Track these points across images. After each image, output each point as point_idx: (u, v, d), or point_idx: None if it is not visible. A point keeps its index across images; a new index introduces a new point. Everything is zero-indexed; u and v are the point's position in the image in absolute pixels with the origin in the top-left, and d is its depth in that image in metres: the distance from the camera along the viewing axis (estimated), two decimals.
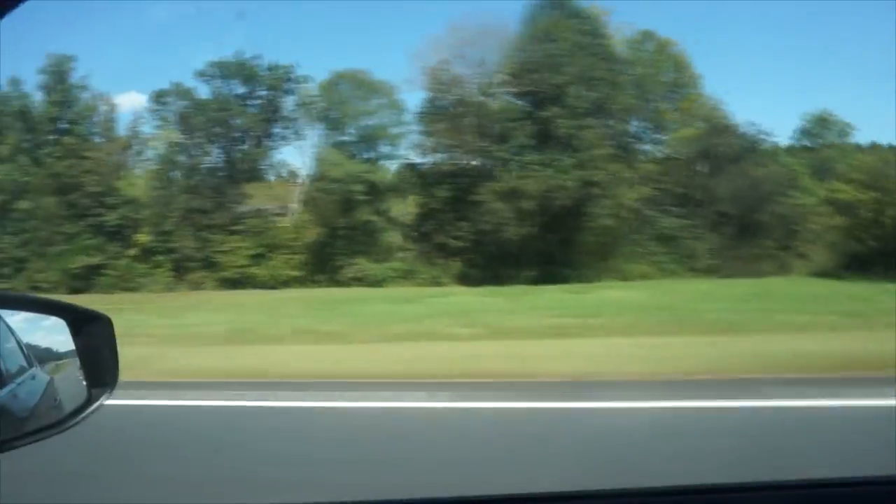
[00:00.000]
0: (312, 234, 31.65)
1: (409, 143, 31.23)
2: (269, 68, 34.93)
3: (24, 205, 35.95)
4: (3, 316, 1.12)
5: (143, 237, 34.26)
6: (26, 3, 0.97)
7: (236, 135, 34.52)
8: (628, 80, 29.45)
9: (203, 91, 34.90)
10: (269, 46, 42.25)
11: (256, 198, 33.64)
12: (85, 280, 34.02)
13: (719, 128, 29.66)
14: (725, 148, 29.61)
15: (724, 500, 1.21)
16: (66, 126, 37.94)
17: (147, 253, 34.36)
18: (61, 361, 1.18)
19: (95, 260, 33.86)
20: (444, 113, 29.92)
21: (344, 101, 31.68)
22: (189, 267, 33.53)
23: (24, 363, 1.13)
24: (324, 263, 31.42)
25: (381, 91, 31.31)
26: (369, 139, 31.56)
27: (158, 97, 34.44)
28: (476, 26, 28.94)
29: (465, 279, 29.94)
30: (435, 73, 29.82)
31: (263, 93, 35.02)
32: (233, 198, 33.38)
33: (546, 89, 26.85)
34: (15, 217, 35.97)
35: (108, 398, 1.16)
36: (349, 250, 31.24)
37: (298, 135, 34.90)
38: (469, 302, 20.30)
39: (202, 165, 34.72)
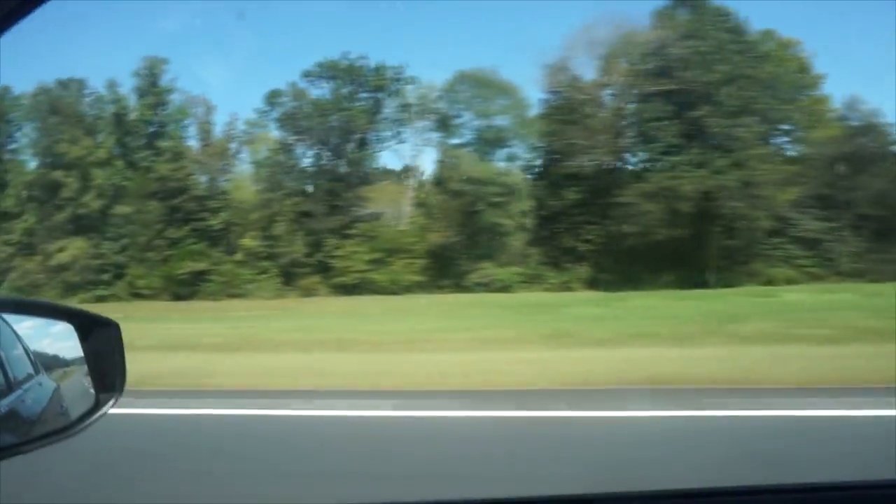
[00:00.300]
0: (434, 237, 30.49)
1: (535, 145, 30.04)
2: (376, 69, 33.97)
3: (122, 209, 34.89)
4: (11, 322, 1.09)
5: (248, 242, 33.15)
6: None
7: (344, 137, 33.39)
8: (766, 79, 28.36)
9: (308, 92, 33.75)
10: (378, 47, 40.83)
11: (367, 201, 32.53)
12: (190, 286, 32.88)
13: (862, 128, 28.55)
14: (867, 148, 28.48)
15: (722, 503, 1.10)
16: (163, 129, 37.01)
17: (252, 258, 33.22)
18: (68, 369, 1.15)
19: (201, 265, 32.70)
20: (574, 114, 28.84)
21: (466, 102, 30.61)
22: (298, 273, 32.36)
23: (31, 370, 1.11)
24: (446, 268, 30.26)
25: (506, 91, 30.25)
26: (492, 140, 30.43)
27: (272, 97, 33.36)
28: (609, 26, 27.97)
29: (596, 284, 28.83)
30: (566, 74, 28.81)
31: (370, 94, 34.03)
32: (345, 201, 32.28)
33: (696, 88, 25.79)
34: (114, 222, 34.90)
35: (115, 404, 1.13)
36: (473, 254, 30.09)
37: (407, 137, 33.87)
38: (667, 306, 19.13)
39: (310, 168, 33.63)
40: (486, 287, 29.29)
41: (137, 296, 33.71)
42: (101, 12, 44.85)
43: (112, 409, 1.13)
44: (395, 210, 32.54)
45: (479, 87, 30.19)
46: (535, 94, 30.78)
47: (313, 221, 32.33)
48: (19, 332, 1.12)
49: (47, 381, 1.14)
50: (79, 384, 1.15)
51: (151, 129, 36.83)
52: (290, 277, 32.62)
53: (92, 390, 1.13)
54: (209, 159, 34.90)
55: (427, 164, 32.38)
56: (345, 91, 33.91)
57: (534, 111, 30.19)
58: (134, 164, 36.04)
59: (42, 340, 1.15)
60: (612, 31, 27.75)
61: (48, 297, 34.62)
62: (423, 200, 31.99)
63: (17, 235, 36.29)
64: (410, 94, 33.47)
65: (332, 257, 31.43)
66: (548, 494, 1.25)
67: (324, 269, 31.83)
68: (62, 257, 34.29)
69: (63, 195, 35.29)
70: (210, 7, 41.12)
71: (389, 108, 33.72)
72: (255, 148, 35.42)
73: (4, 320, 1.11)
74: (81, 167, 34.98)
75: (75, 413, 1.12)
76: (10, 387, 1.07)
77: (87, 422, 1.10)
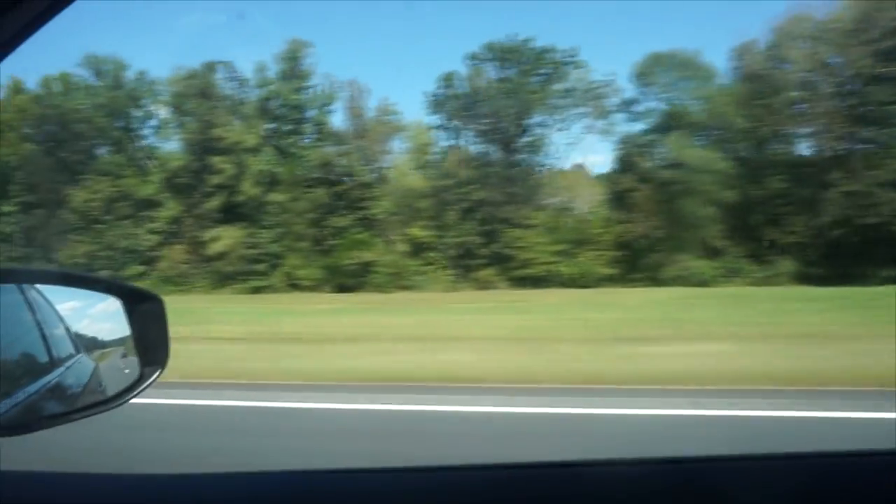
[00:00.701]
0: (622, 228, 29.03)
1: (735, 131, 28.36)
2: (545, 51, 32.44)
3: (276, 197, 33.66)
4: (53, 302, 1.14)
5: (416, 231, 31.79)
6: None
7: (514, 122, 31.92)
8: None
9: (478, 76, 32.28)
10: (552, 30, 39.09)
11: (543, 189, 31.15)
12: (356, 277, 31.57)
13: None
14: None
15: (720, 468, 1.16)
16: (310, 114, 35.74)
17: (418, 248, 31.89)
18: (105, 350, 1.20)
19: (369, 256, 31.36)
20: (780, 97, 27.19)
21: (660, 85, 29.02)
22: (471, 264, 30.98)
23: (72, 349, 1.15)
24: (638, 260, 28.79)
25: (704, 74, 28.65)
26: (687, 126, 28.78)
27: (447, 80, 31.98)
28: (826, 4, 26.22)
29: (806, 279, 27.24)
30: (773, 55, 27.16)
31: (539, 78, 32.48)
32: (520, 189, 30.86)
33: None
34: (268, 210, 33.67)
35: (159, 376, 1.16)
36: (667, 246, 28.57)
37: (580, 122, 32.36)
38: None
39: (479, 155, 32.19)
40: (684, 281, 27.81)
41: (295, 287, 32.56)
42: None
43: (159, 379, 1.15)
44: (572, 199, 31.13)
45: (675, 69, 28.56)
46: (737, 77, 28.90)
47: (486, 211, 30.95)
48: (60, 312, 1.14)
49: (87, 361, 1.16)
50: (115, 365, 1.16)
51: (298, 115, 35.57)
52: (460, 269, 31.26)
53: (127, 371, 1.14)
54: (366, 144, 33.54)
55: (606, 151, 30.76)
56: (512, 75, 32.40)
57: (735, 95, 28.42)
58: (283, 150, 34.80)
59: (81, 322, 1.18)
60: (830, 10, 26.08)
61: (200, 287, 33.52)
62: (605, 189, 30.46)
63: (161, 224, 35.21)
64: (584, 77, 31.94)
65: (512, 248, 30.02)
66: (530, 461, 1.15)
67: (500, 261, 30.46)
68: (216, 247, 33.15)
69: (213, 182, 34.13)
70: None
71: (560, 92, 32.11)
72: (413, 134, 34.07)
73: (47, 301, 1.13)
74: (236, 152, 33.76)
75: (113, 391, 1.14)
76: (53, 363, 1.10)
77: (132, 394, 1.12)
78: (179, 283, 33.96)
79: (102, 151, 37.06)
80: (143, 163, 36.76)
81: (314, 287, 32.36)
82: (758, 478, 1.12)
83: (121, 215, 35.40)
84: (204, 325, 15.94)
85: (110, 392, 1.14)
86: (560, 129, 32.74)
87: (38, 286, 1.15)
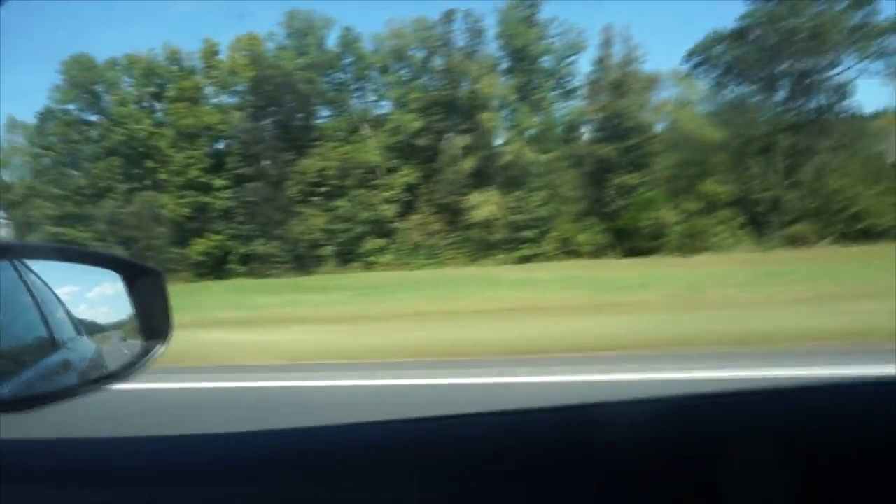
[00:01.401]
0: None
1: None
2: None
3: (541, 157, 30.77)
4: (52, 286, 1.14)
5: (711, 186, 29.12)
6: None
7: (809, 64, 29.11)
8: None
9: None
10: None
11: (859, 136, 28.51)
12: (651, 240, 28.93)
13: None
14: None
15: (719, 403, 1.07)
16: (554, 64, 32.70)
17: (711, 206, 29.24)
18: (105, 334, 1.20)
19: (668, 216, 28.70)
20: None
21: None
22: (782, 221, 28.39)
23: (73, 331, 1.15)
24: None
25: None
26: None
27: (745, 17, 29.04)
28: None
29: None
30: None
31: (834, 14, 29.50)
32: (837, 136, 28.19)
33: None
34: (532, 171, 30.81)
35: (163, 350, 1.16)
36: None
37: (872, 62, 29.46)
38: None
39: (775, 100, 29.46)
40: None
41: (573, 253, 29.91)
42: None
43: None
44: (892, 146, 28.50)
45: None
46: None
47: (795, 160, 28.30)
48: (60, 296, 1.14)
49: (88, 342, 1.16)
50: (116, 347, 1.16)
51: (544, 66, 32.54)
52: (766, 226, 28.69)
53: (127, 353, 1.14)
54: (636, 95, 30.62)
55: None
56: (806, 12, 29.41)
57: None
58: (537, 105, 31.80)
59: (79, 306, 1.17)
60: None
61: (454, 259, 30.78)
62: None
63: (397, 192, 32.33)
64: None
65: (837, 201, 27.40)
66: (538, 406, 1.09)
67: (818, 214, 27.87)
68: (480, 213, 30.34)
69: (462, 143, 31.18)
70: None
71: (863, 29, 29.16)
72: (679, 82, 31.23)
73: (45, 282, 1.12)
74: (490, 109, 30.77)
75: (120, 366, 1.15)
76: (55, 344, 1.09)
77: (137, 366, 1.13)
78: (430, 255, 31.33)
79: (322, 116, 33.99)
80: (365, 126, 33.68)
81: (596, 253, 29.78)
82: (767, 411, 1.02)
83: (352, 184, 32.51)
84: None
85: (113, 369, 1.13)
86: (861, 70, 29.94)
87: (35, 268, 1.11)
